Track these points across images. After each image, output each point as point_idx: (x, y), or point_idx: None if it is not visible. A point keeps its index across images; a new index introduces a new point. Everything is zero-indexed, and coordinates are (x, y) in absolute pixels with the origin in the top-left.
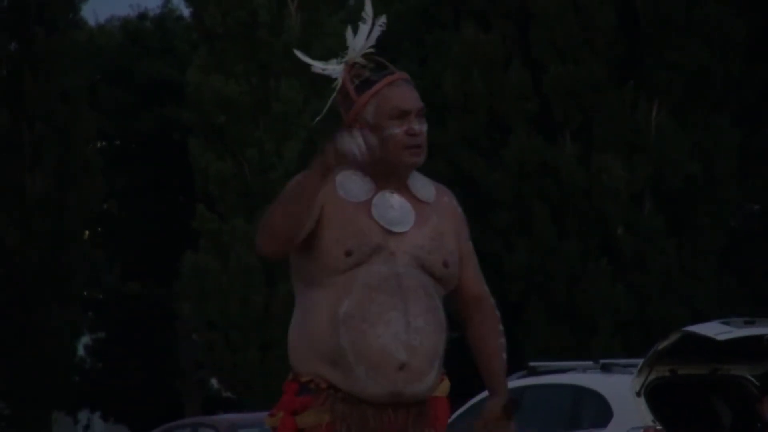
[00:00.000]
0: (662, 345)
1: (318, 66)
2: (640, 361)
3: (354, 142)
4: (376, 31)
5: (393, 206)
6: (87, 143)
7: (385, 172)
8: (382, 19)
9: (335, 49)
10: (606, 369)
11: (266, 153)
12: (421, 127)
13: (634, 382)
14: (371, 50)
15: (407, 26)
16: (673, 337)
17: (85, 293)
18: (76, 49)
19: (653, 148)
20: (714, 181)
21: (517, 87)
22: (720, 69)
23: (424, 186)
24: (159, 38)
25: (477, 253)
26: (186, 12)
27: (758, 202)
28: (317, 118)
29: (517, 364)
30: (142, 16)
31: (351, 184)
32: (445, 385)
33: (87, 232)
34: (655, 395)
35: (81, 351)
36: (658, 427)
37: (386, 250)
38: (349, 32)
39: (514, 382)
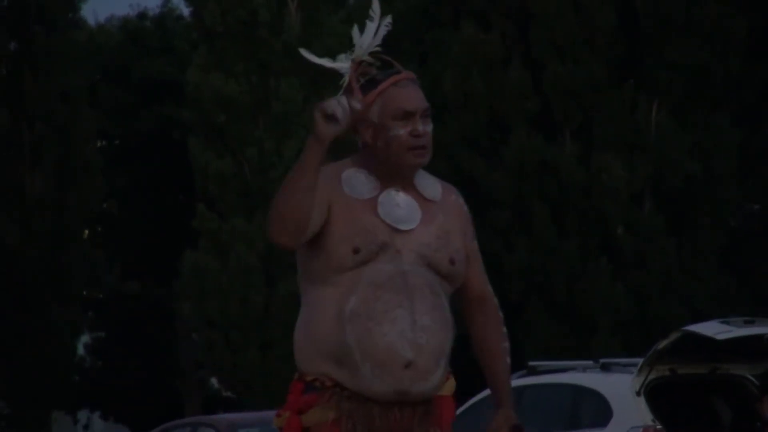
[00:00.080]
0: (662, 344)
1: (327, 62)
2: (640, 361)
3: (337, 102)
4: (382, 30)
5: (399, 204)
6: (87, 143)
7: (390, 172)
8: (388, 18)
9: (335, 49)
10: (606, 368)
11: (266, 152)
12: (425, 127)
13: (634, 381)
14: (378, 49)
15: (407, 26)
16: (673, 337)
17: (85, 293)
18: (75, 49)
19: (653, 148)
20: (714, 180)
21: (517, 87)
22: (720, 68)
23: (430, 184)
24: (159, 37)
25: None
26: (186, 11)
27: (758, 202)
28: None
29: (517, 364)
30: (142, 16)
31: (356, 182)
32: (451, 384)
33: (87, 232)
34: (654, 395)
35: (81, 350)
36: (658, 427)
37: (392, 247)
38: (355, 30)
39: (514, 382)
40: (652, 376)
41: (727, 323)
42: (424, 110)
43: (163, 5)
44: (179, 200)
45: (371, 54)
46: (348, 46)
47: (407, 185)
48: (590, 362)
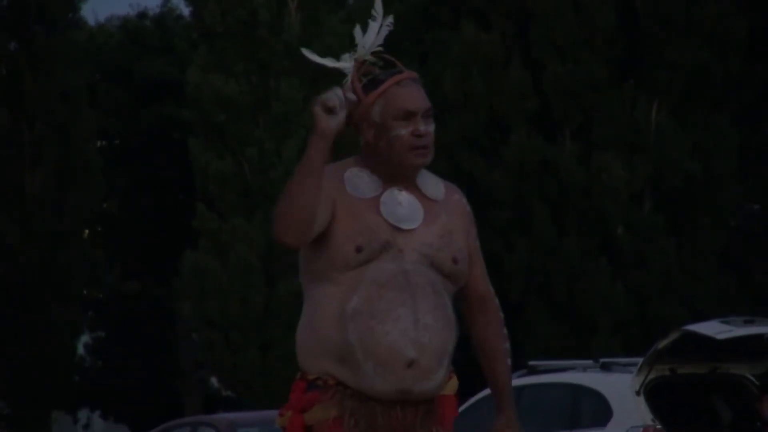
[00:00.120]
0: (662, 344)
1: (330, 62)
2: (639, 361)
3: (334, 94)
4: (384, 30)
5: (401, 203)
6: (87, 142)
7: (392, 172)
8: (390, 18)
9: (335, 48)
10: (606, 368)
11: (266, 152)
12: (427, 127)
13: (634, 381)
14: (380, 48)
15: (407, 26)
16: (673, 336)
17: (85, 292)
18: (75, 49)
19: (653, 148)
20: (714, 180)
21: (517, 86)
22: (720, 68)
23: (433, 184)
24: (159, 37)
25: None
26: (186, 11)
27: (758, 202)
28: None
29: (517, 364)
30: (142, 15)
31: (359, 181)
32: (454, 383)
33: (87, 232)
34: (654, 394)
35: (81, 350)
36: (658, 426)
37: (394, 247)
38: (357, 30)
39: (515, 382)
40: (651, 376)
41: (727, 323)
42: (426, 110)
43: (163, 5)
44: (179, 200)
45: (374, 53)
46: (348, 46)
47: (410, 185)
48: (590, 362)
